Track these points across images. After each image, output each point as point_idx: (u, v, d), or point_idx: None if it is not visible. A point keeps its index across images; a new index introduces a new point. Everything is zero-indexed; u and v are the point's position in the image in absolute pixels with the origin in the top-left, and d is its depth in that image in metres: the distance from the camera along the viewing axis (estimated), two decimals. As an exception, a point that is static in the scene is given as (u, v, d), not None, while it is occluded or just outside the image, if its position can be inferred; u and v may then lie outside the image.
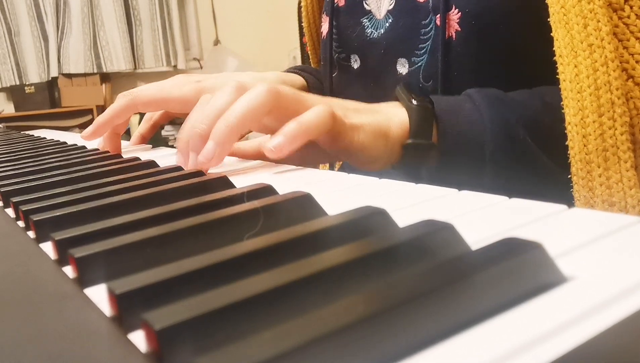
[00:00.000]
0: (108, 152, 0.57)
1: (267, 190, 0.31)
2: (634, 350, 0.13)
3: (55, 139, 0.80)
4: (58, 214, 0.29)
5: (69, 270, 0.22)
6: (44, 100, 3.30)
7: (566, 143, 0.43)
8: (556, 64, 0.44)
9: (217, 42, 3.67)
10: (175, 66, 3.52)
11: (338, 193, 0.32)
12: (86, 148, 0.62)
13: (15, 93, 3.29)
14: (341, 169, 0.73)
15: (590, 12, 0.42)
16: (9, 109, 3.32)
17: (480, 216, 0.25)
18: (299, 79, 0.70)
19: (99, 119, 0.56)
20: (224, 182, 0.35)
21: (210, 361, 0.13)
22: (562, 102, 0.44)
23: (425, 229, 0.20)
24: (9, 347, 0.16)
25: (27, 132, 1.06)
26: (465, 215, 0.25)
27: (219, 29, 3.67)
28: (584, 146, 0.42)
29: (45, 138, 0.86)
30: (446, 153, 0.45)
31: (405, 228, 0.21)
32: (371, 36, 0.59)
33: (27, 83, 3.29)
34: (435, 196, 0.29)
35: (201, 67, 3.61)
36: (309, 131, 0.39)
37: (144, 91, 0.55)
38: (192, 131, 0.41)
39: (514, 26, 0.50)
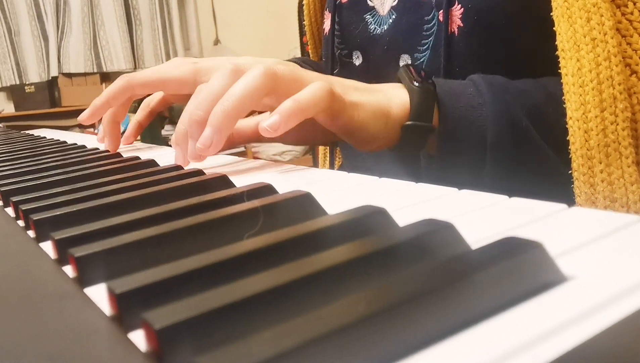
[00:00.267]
0: (108, 151, 0.57)
1: (267, 189, 0.31)
2: (634, 350, 0.13)
3: (55, 138, 0.80)
4: (58, 213, 0.29)
5: (69, 270, 0.22)
6: (44, 99, 3.31)
7: (567, 138, 0.43)
8: (558, 60, 0.44)
9: (217, 41, 3.68)
10: (175, 66, 3.52)
11: (338, 192, 0.32)
12: (86, 148, 0.62)
13: (16, 93, 3.29)
14: (341, 168, 0.73)
15: (594, 7, 0.42)
16: (9, 108, 3.32)
17: (481, 216, 0.25)
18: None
19: (96, 102, 0.56)
20: (223, 181, 0.35)
21: (210, 360, 0.13)
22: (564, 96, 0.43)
23: (426, 228, 0.20)
24: (9, 347, 0.16)
25: (27, 131, 1.06)
26: (466, 215, 0.25)
27: (219, 28, 3.67)
28: (586, 141, 0.42)
29: (45, 137, 0.86)
30: (446, 136, 0.44)
31: (406, 227, 0.21)
32: (374, 32, 0.59)
33: (27, 83, 3.29)
34: (435, 195, 0.29)
35: (201, 67, 3.61)
36: (305, 108, 0.38)
37: (141, 72, 0.55)
38: (189, 119, 0.40)
39: (516, 22, 0.50)
